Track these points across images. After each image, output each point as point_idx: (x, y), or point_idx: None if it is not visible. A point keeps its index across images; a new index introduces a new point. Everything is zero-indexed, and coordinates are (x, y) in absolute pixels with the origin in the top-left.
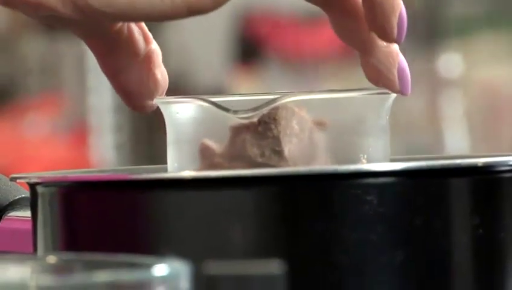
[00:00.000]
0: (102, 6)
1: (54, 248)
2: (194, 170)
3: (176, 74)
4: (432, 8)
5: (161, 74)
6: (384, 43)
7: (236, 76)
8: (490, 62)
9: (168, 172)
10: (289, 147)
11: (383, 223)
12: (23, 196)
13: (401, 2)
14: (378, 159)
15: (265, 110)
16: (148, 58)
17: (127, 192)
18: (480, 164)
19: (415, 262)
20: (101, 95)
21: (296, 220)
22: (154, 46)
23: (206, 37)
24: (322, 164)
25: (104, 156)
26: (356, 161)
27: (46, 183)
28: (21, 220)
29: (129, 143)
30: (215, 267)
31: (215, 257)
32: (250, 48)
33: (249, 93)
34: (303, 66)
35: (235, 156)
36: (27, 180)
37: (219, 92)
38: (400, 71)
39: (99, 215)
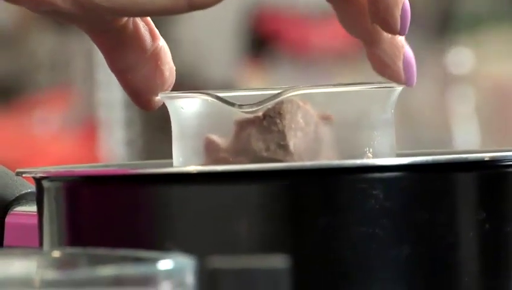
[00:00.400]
0: (102, 1)
1: (59, 243)
2: (199, 164)
3: (186, 69)
4: (442, 3)
5: (169, 71)
6: (389, 34)
7: (246, 71)
8: (500, 57)
9: (173, 167)
10: (294, 141)
11: (389, 217)
12: (29, 190)
13: None
14: (383, 153)
15: (270, 105)
16: (155, 55)
17: (132, 187)
18: (486, 158)
19: (421, 257)
20: (110, 90)
21: (301, 214)
22: (162, 43)
23: (216, 32)
24: (328, 158)
25: (114, 151)
26: (362, 155)
27: (51, 178)
28: (27, 215)
29: (139, 138)
30: (220, 262)
31: (220, 252)
32: (259, 43)
33: (254, 88)
34: (312, 61)
35: (240, 151)
36: (33, 175)
37: (229, 86)
38: (405, 62)
39: (105, 210)
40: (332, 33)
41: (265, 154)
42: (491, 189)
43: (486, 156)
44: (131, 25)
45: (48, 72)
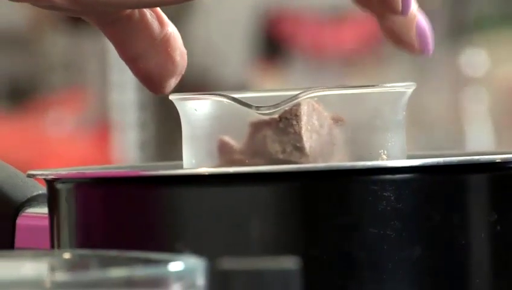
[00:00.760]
0: None
1: (70, 244)
2: (213, 166)
3: (200, 70)
4: (456, 4)
5: (180, 56)
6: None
7: (259, 73)
8: None
9: (185, 168)
10: (310, 144)
11: (401, 219)
12: (40, 192)
13: None
14: (395, 155)
15: (287, 106)
16: (165, 41)
17: (144, 188)
18: (498, 160)
19: (433, 258)
20: (124, 92)
21: (313, 216)
22: (172, 29)
23: (230, 34)
24: (340, 160)
25: (127, 153)
26: (374, 156)
27: (63, 180)
28: (38, 216)
29: (152, 140)
30: (231, 263)
31: (232, 253)
32: (273, 45)
33: (267, 90)
34: (325, 64)
35: (255, 153)
36: (44, 176)
37: (242, 88)
38: (419, 31)
39: (116, 212)
40: (346, 36)
41: (281, 156)
42: (503, 190)
43: (498, 157)
44: (137, 14)
45: (61, 73)
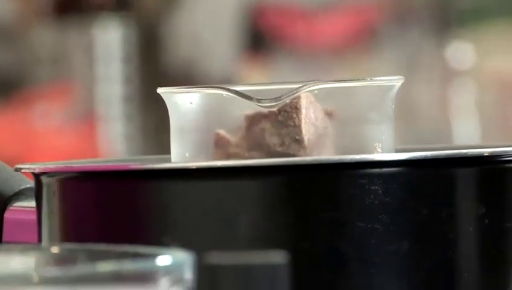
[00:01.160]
0: None
1: (58, 238)
2: (207, 160)
3: (186, 63)
4: None
5: None
6: None
7: (246, 65)
8: (502, 52)
9: (173, 162)
10: (308, 136)
11: (388, 213)
12: (28, 186)
13: None
14: (387, 148)
15: (288, 99)
16: None
17: (132, 182)
18: (486, 154)
19: (420, 252)
20: (110, 85)
21: (301, 210)
22: None
23: (215, 26)
24: (333, 154)
25: (114, 146)
26: (371, 150)
27: (50, 174)
28: (26, 210)
29: (139, 133)
30: (219, 258)
31: (221, 248)
32: (259, 38)
33: (260, 83)
34: (313, 57)
35: (252, 146)
36: (32, 170)
37: (228, 81)
38: None
39: (104, 206)
40: (333, 28)
41: (279, 149)
42: (491, 184)
43: (486, 151)
44: None
45: (48, 66)
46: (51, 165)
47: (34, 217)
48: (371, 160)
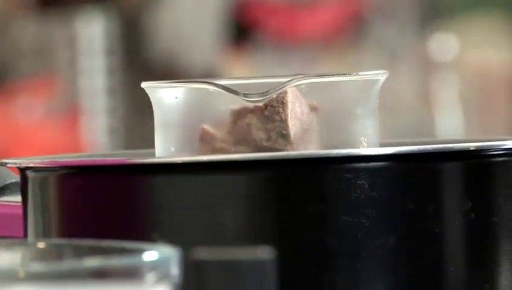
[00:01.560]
0: None
1: (44, 233)
2: (192, 155)
3: (169, 55)
4: None
5: None
6: None
7: (228, 58)
8: (484, 44)
9: (159, 157)
10: (294, 131)
11: (374, 207)
12: (13, 181)
13: None
14: (372, 142)
15: (275, 94)
16: None
17: (117, 177)
18: (472, 148)
19: (407, 246)
20: (93, 78)
21: (287, 204)
22: None
23: (198, 19)
24: (318, 148)
25: (98, 139)
26: (357, 144)
27: (36, 168)
28: (11, 205)
29: (123, 126)
30: (205, 253)
31: (206, 243)
32: (242, 30)
33: (244, 77)
34: (296, 49)
35: (239, 141)
36: (17, 165)
37: (211, 74)
38: None
39: (90, 201)
40: (317, 21)
41: (265, 143)
42: (477, 179)
43: (472, 145)
44: None
45: (30, 59)
46: (36, 160)
47: (19, 211)
48: (357, 154)
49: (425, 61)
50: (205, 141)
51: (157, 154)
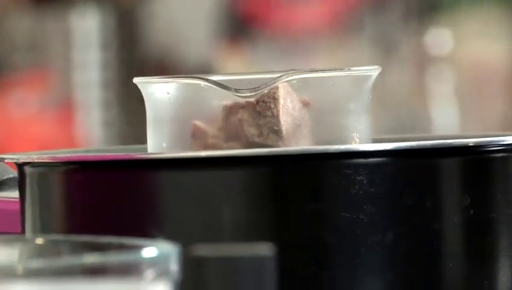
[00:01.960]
0: None
1: (42, 229)
2: (184, 150)
3: (164, 49)
4: None
5: None
6: None
7: (223, 52)
8: (479, 38)
9: (154, 152)
10: (286, 127)
11: (373, 203)
12: (11, 176)
13: None
14: (363, 138)
15: (266, 89)
16: None
17: (116, 172)
18: (471, 144)
19: (405, 242)
20: (87, 71)
21: (286, 200)
22: None
23: (194, 13)
24: (310, 144)
25: (92, 132)
26: (349, 140)
27: (34, 164)
28: (9, 201)
29: (117, 119)
30: (205, 249)
31: (205, 239)
32: (238, 24)
33: (237, 73)
34: (292, 43)
35: (230, 136)
36: (15, 160)
37: (206, 68)
38: None
39: (88, 196)
40: (313, 15)
41: (257, 139)
42: (476, 174)
43: (471, 141)
44: None
45: (25, 53)
46: (34, 156)
47: (17, 207)
48: (356, 150)
49: (420, 55)
50: (197, 137)
51: (149, 150)
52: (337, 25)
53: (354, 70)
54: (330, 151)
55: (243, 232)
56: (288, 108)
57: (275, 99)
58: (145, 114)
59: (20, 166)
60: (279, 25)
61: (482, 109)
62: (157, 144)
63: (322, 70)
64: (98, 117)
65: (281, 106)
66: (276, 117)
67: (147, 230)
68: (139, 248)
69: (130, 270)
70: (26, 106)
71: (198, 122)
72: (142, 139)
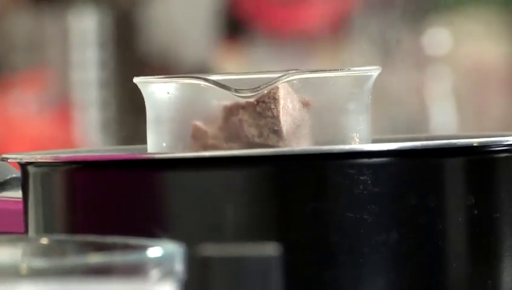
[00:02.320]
0: None
1: (45, 229)
2: (183, 150)
3: (162, 49)
4: None
5: None
6: None
7: (221, 53)
8: (478, 38)
9: (161, 152)
10: (286, 127)
11: (377, 203)
12: (14, 176)
13: None
14: (363, 138)
15: (266, 90)
16: None
17: (120, 172)
18: (475, 144)
19: (409, 242)
20: (85, 71)
21: (290, 200)
22: None
23: (192, 12)
24: (311, 144)
25: (90, 132)
26: (349, 140)
27: (37, 164)
28: (12, 201)
29: (115, 118)
30: (210, 249)
31: (209, 239)
32: (236, 24)
33: (235, 73)
34: (290, 44)
35: (230, 137)
36: (18, 160)
37: (204, 68)
38: None
39: (92, 196)
40: (310, 15)
41: (257, 140)
42: (480, 174)
43: (475, 141)
44: None
45: (23, 53)
46: (38, 155)
47: (20, 207)
48: (360, 150)
49: (418, 55)
50: (197, 137)
51: (149, 150)
52: (336, 26)
53: (354, 71)
54: (335, 151)
55: (247, 232)
56: (289, 108)
57: (275, 99)
58: (143, 114)
59: (23, 166)
60: (277, 26)
61: (480, 109)
62: (157, 143)
63: (322, 70)
64: (96, 116)
65: (281, 106)
66: (276, 117)
67: (150, 230)
68: (144, 247)
69: (135, 270)
70: (24, 105)
71: (198, 123)
72: (140, 139)
